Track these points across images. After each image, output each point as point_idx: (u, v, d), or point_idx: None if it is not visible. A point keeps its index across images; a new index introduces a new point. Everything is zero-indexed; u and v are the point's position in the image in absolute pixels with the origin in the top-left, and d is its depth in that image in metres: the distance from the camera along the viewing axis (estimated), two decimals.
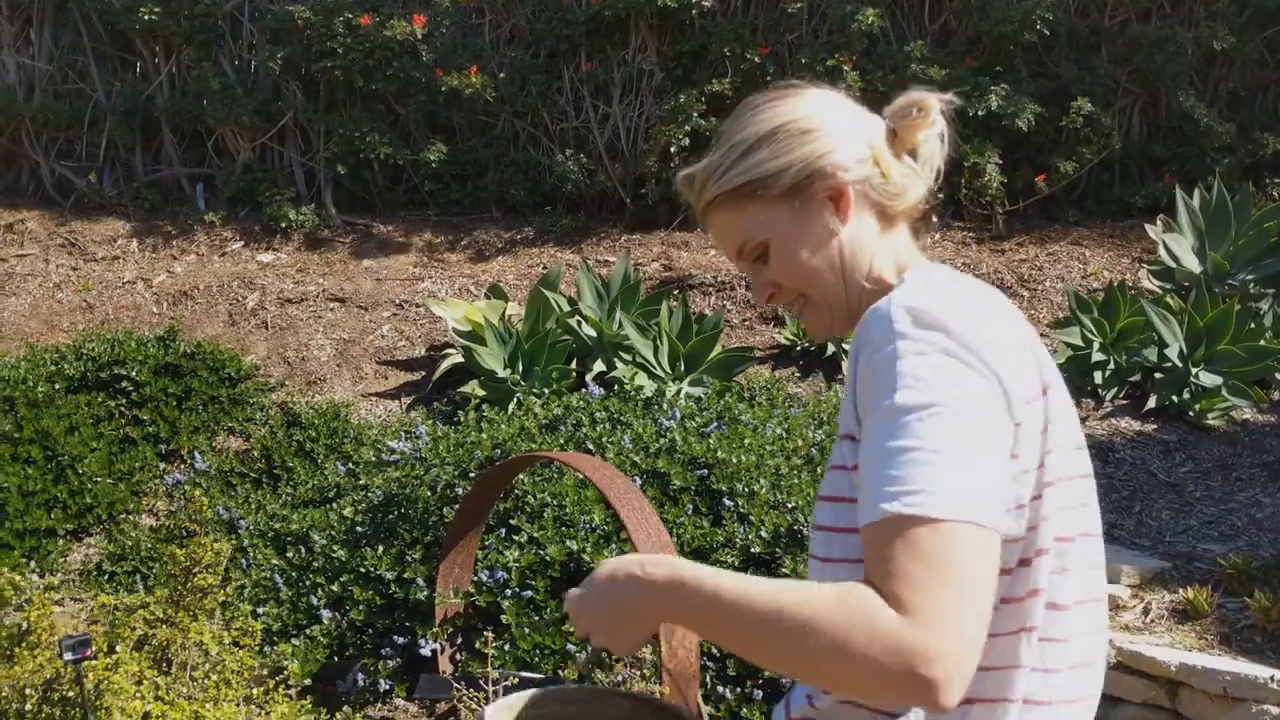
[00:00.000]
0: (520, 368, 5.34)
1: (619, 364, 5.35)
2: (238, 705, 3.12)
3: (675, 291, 6.06)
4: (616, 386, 5.14)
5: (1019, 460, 1.12)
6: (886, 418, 1.05)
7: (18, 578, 3.32)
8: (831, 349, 5.53)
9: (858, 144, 1.26)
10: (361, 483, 4.57)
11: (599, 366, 5.37)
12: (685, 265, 6.35)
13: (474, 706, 2.84)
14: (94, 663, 2.84)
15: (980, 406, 1.06)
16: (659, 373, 5.30)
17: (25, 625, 3.24)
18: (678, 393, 5.09)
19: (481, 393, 5.25)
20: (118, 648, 3.01)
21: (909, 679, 0.92)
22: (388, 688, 3.47)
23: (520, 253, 6.69)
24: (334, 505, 4.50)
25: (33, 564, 4.52)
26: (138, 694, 2.95)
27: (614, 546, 3.60)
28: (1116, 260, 6.20)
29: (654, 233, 6.73)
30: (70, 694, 2.86)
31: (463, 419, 4.52)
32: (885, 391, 1.07)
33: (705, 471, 3.81)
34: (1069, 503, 1.18)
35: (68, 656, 2.68)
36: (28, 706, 2.94)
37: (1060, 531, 1.15)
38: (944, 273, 1.26)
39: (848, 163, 1.25)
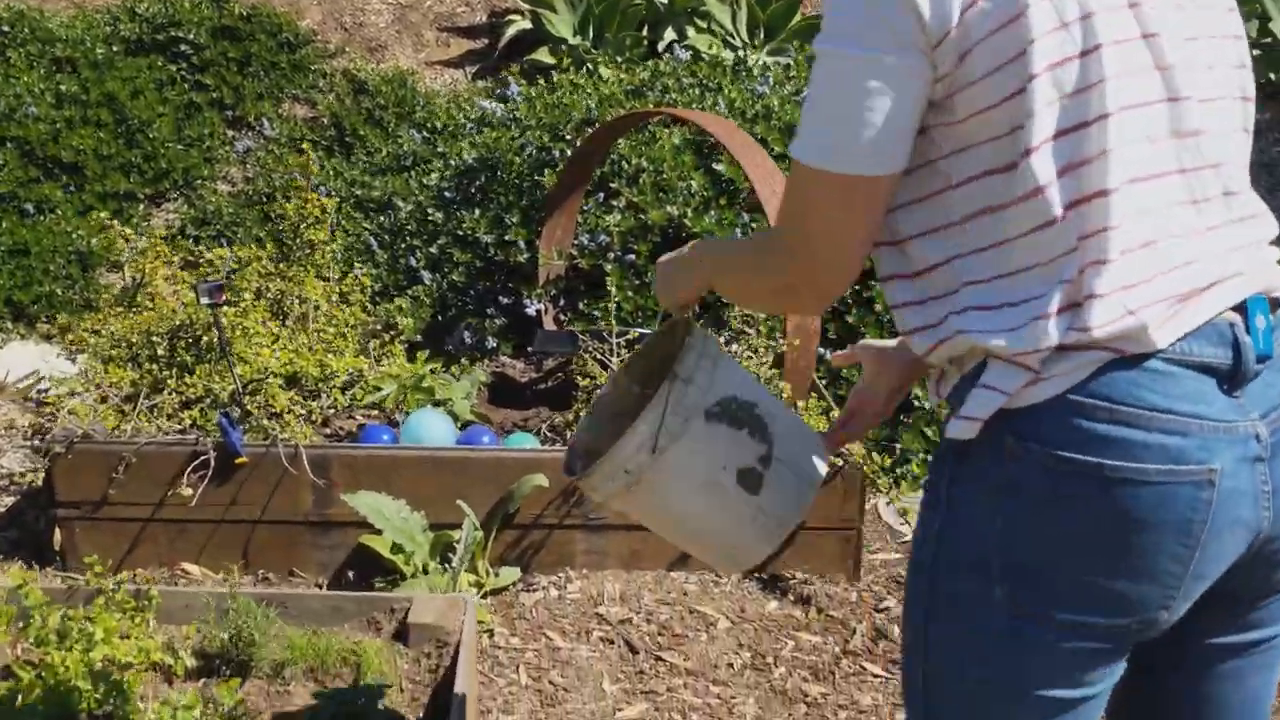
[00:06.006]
0: (590, 34, 5.13)
1: (691, 32, 5.13)
2: (357, 356, 3.21)
3: None
4: (692, 54, 4.95)
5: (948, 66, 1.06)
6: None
7: (129, 230, 3.33)
8: None
9: None
10: (440, 150, 4.50)
11: (670, 35, 5.15)
12: None
13: (599, 357, 2.92)
14: (227, 309, 2.89)
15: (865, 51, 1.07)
16: (736, 41, 5.09)
17: (141, 277, 3.29)
18: (757, 62, 4.91)
19: (551, 60, 5.08)
20: (244, 295, 3.06)
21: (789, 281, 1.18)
22: (494, 345, 3.56)
23: None
24: (413, 172, 4.45)
25: (118, 225, 4.54)
26: (263, 342, 3.03)
27: (714, 212, 3.58)
28: None
29: None
30: (204, 338, 2.93)
31: (555, 79, 4.39)
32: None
33: None
34: (1092, 77, 1.06)
35: (204, 300, 2.73)
36: (159, 352, 3.02)
37: (1065, 123, 1.06)
38: None
39: None
